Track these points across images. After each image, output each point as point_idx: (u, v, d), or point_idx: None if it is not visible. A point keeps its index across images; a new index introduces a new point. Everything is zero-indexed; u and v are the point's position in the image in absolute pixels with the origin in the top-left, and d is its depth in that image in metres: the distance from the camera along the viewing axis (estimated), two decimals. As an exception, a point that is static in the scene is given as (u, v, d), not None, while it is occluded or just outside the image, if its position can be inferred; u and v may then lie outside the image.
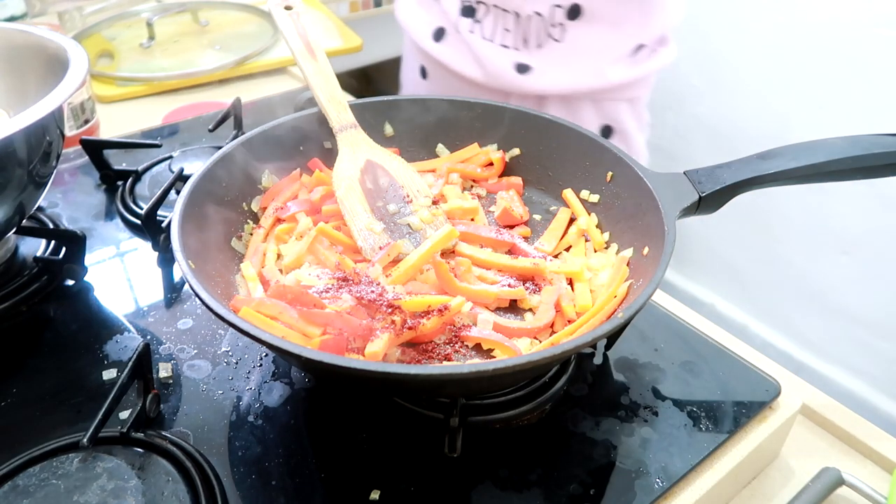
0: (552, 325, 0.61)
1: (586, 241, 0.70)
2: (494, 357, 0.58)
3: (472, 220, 0.72)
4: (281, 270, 0.64)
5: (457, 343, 0.58)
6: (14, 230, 0.73)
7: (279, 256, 0.66)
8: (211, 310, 0.49)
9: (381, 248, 0.65)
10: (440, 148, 0.79)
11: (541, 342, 0.60)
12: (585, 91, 1.16)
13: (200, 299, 0.50)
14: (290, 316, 0.55)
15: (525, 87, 1.12)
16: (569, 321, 0.61)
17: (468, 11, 1.14)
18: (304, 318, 0.55)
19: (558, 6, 1.07)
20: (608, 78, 1.14)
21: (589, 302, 0.62)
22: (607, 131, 1.22)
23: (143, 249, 0.79)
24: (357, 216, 0.68)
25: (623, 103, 1.21)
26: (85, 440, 0.50)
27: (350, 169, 0.71)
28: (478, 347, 0.58)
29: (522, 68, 1.11)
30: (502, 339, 0.57)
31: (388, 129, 0.78)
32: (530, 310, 0.63)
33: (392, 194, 0.71)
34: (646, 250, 0.61)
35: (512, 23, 1.10)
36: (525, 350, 0.58)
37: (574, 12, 1.08)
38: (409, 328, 0.56)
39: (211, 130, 0.91)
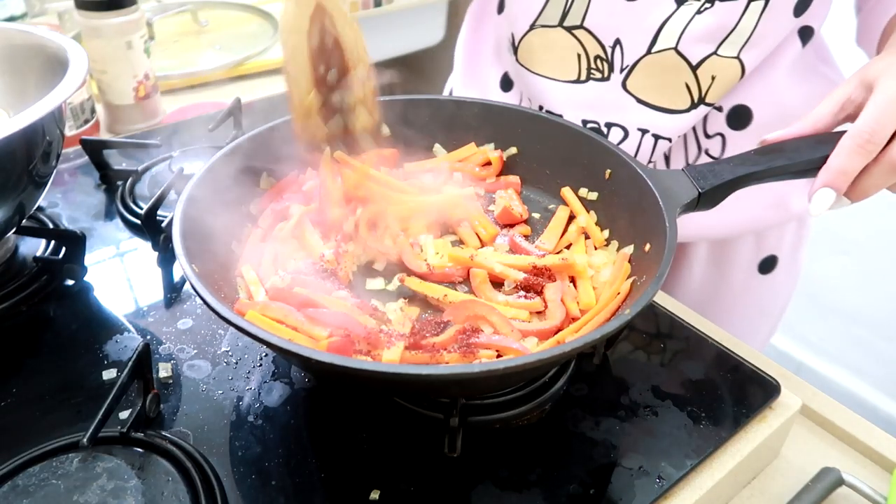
0: (553, 324, 0.61)
1: (586, 238, 0.70)
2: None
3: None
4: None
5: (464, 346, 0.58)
6: (14, 230, 0.73)
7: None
8: (219, 315, 0.49)
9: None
10: (437, 148, 0.79)
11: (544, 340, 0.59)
12: (749, 229, 0.84)
13: (207, 304, 0.50)
14: (295, 318, 0.56)
15: None
16: (572, 319, 0.61)
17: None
18: (311, 319, 0.55)
19: (715, 107, 0.73)
20: (791, 209, 0.81)
21: (592, 299, 0.62)
22: (770, 263, 0.90)
23: (143, 249, 0.79)
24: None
25: (792, 223, 0.88)
26: (85, 440, 0.50)
27: (299, 17, 0.63)
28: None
29: None
30: (510, 343, 0.57)
31: (385, 130, 0.78)
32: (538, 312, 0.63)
33: (336, 58, 0.65)
34: (647, 247, 0.60)
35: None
36: (531, 349, 0.58)
37: (738, 118, 0.74)
38: (420, 347, 0.56)
39: (211, 130, 0.91)
